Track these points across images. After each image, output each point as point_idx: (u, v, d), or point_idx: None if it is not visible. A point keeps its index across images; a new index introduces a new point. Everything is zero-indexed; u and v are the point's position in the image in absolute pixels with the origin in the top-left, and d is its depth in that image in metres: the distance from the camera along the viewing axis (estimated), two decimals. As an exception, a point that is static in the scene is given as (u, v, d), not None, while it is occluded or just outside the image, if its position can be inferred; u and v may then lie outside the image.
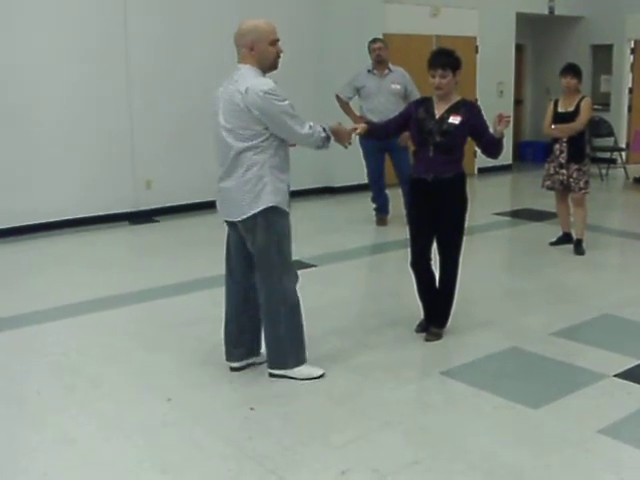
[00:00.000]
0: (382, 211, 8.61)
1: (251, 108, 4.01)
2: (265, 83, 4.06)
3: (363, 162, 8.48)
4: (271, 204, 4.11)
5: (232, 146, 4.12)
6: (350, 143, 4.57)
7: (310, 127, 4.17)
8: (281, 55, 4.21)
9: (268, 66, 4.18)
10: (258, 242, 4.17)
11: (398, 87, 8.26)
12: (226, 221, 4.36)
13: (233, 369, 4.49)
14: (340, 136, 4.44)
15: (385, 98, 8.18)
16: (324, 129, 4.27)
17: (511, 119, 4.67)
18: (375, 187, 8.61)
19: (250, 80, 4.05)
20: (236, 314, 4.43)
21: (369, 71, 8.36)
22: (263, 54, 4.12)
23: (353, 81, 8.38)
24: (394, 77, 8.32)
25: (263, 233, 4.14)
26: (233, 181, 4.16)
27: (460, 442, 3.69)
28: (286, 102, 4.08)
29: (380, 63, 8.31)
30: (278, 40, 4.18)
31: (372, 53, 8.34)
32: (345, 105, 8.40)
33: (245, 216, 4.13)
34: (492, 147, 4.81)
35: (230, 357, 4.51)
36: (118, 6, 8.59)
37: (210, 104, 4.32)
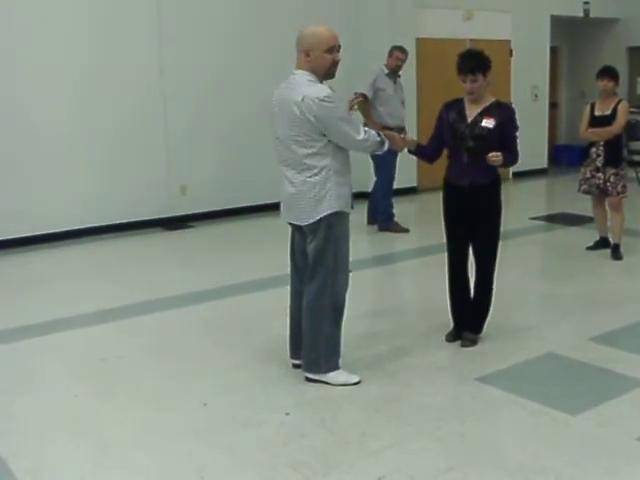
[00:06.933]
0: (393, 217, 8.58)
1: (308, 116, 4.04)
2: (321, 90, 4.07)
3: (374, 168, 8.50)
4: (334, 209, 4.18)
5: (295, 152, 4.17)
6: (402, 149, 4.68)
7: (365, 132, 4.21)
8: (338, 63, 4.20)
9: (322, 74, 4.17)
10: (317, 244, 4.23)
11: (403, 96, 8.56)
12: (290, 223, 4.41)
13: (295, 366, 4.53)
14: (394, 141, 4.48)
15: (399, 103, 8.41)
16: (378, 134, 4.31)
17: (499, 158, 4.55)
18: (390, 195, 8.61)
19: (305, 88, 4.07)
20: (301, 313, 4.43)
21: (386, 74, 8.39)
22: (317, 61, 4.13)
23: (375, 82, 8.29)
24: (401, 86, 8.57)
25: (323, 236, 4.21)
26: (298, 186, 4.20)
27: (496, 449, 3.66)
28: (342, 108, 4.12)
29: (395, 72, 8.43)
30: (337, 48, 4.17)
31: (394, 59, 8.36)
32: (369, 106, 8.25)
33: (311, 221, 4.20)
34: (506, 159, 4.61)
35: (294, 355, 4.56)
36: (151, 5, 8.66)
37: (269, 107, 4.34)
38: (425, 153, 4.95)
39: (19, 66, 7.91)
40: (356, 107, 4.56)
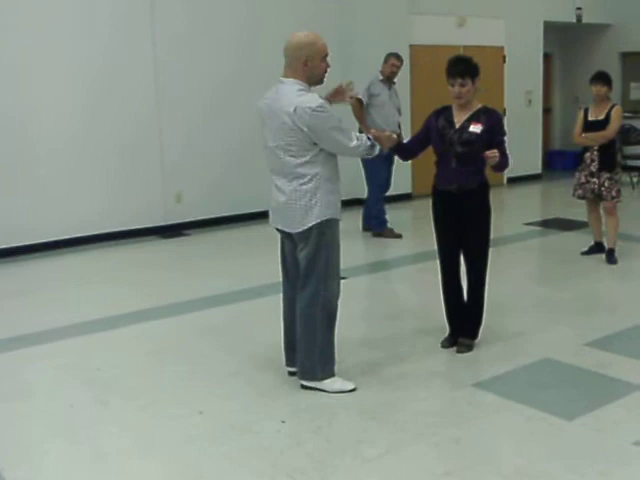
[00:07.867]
0: (386, 223, 8.59)
1: (301, 126, 4.03)
2: (313, 100, 4.06)
3: (365, 174, 8.54)
4: (325, 217, 4.18)
5: (286, 161, 4.17)
6: (390, 147, 4.66)
7: (357, 138, 4.22)
8: (328, 70, 4.23)
9: (316, 81, 4.20)
10: (308, 251, 4.23)
11: (398, 102, 8.62)
12: (278, 230, 4.41)
13: (291, 374, 4.54)
14: (383, 141, 4.48)
15: (394, 110, 8.49)
16: (368, 137, 4.32)
17: (496, 154, 4.56)
18: (383, 200, 8.61)
19: (296, 98, 4.06)
20: (294, 320, 4.44)
21: (381, 80, 8.44)
22: (315, 69, 4.15)
23: (369, 88, 8.34)
24: (396, 92, 8.64)
25: (314, 243, 4.21)
26: (288, 194, 4.20)
27: (493, 454, 3.66)
28: (334, 117, 4.12)
29: (391, 79, 8.49)
30: (328, 55, 4.22)
31: (389, 66, 8.44)
32: (363, 111, 8.31)
33: (302, 228, 4.20)
34: (500, 160, 4.61)
35: (289, 362, 4.56)
36: (145, 6, 8.68)
37: (257, 116, 4.35)
38: (402, 149, 4.96)
39: (20, 82, 7.93)
40: (351, 88, 4.57)
